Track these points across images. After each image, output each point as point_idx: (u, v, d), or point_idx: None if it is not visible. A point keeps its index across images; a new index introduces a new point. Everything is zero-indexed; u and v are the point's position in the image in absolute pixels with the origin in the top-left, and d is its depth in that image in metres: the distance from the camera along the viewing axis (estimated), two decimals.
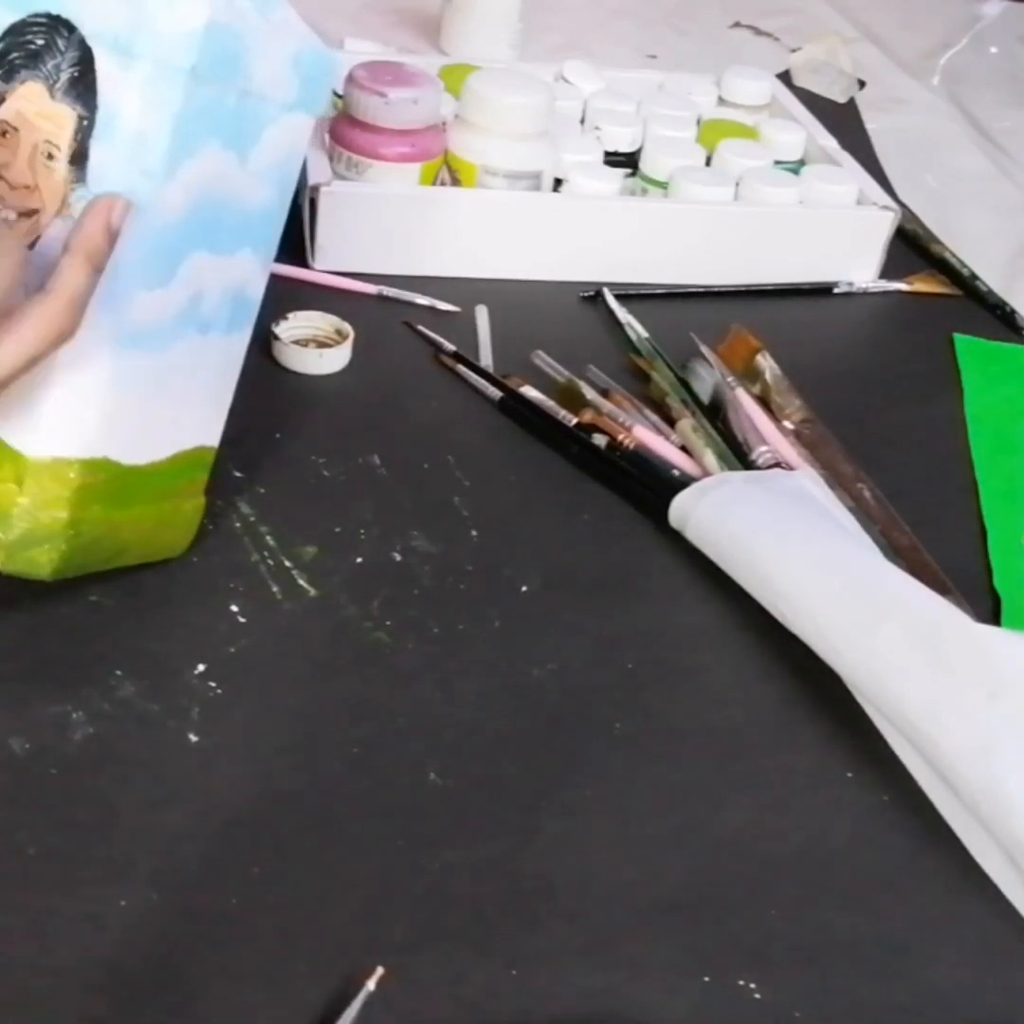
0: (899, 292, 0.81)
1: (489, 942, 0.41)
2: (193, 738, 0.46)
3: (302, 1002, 0.38)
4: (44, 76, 0.43)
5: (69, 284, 0.42)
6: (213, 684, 0.48)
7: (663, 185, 0.79)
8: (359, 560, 0.54)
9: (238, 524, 0.55)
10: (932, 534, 0.59)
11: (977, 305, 0.82)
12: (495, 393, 0.64)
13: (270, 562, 0.53)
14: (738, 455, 0.61)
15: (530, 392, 0.64)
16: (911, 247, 0.86)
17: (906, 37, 1.23)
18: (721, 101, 0.92)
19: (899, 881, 0.45)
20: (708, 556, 0.56)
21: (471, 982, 0.40)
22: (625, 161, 0.82)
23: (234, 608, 0.51)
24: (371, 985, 0.38)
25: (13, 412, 0.45)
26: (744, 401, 0.64)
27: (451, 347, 0.68)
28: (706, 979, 0.41)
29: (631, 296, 0.74)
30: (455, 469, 0.60)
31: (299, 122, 0.49)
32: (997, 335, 0.79)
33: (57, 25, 0.43)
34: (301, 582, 0.52)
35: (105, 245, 0.42)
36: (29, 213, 0.44)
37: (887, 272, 0.81)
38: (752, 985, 0.41)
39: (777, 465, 0.60)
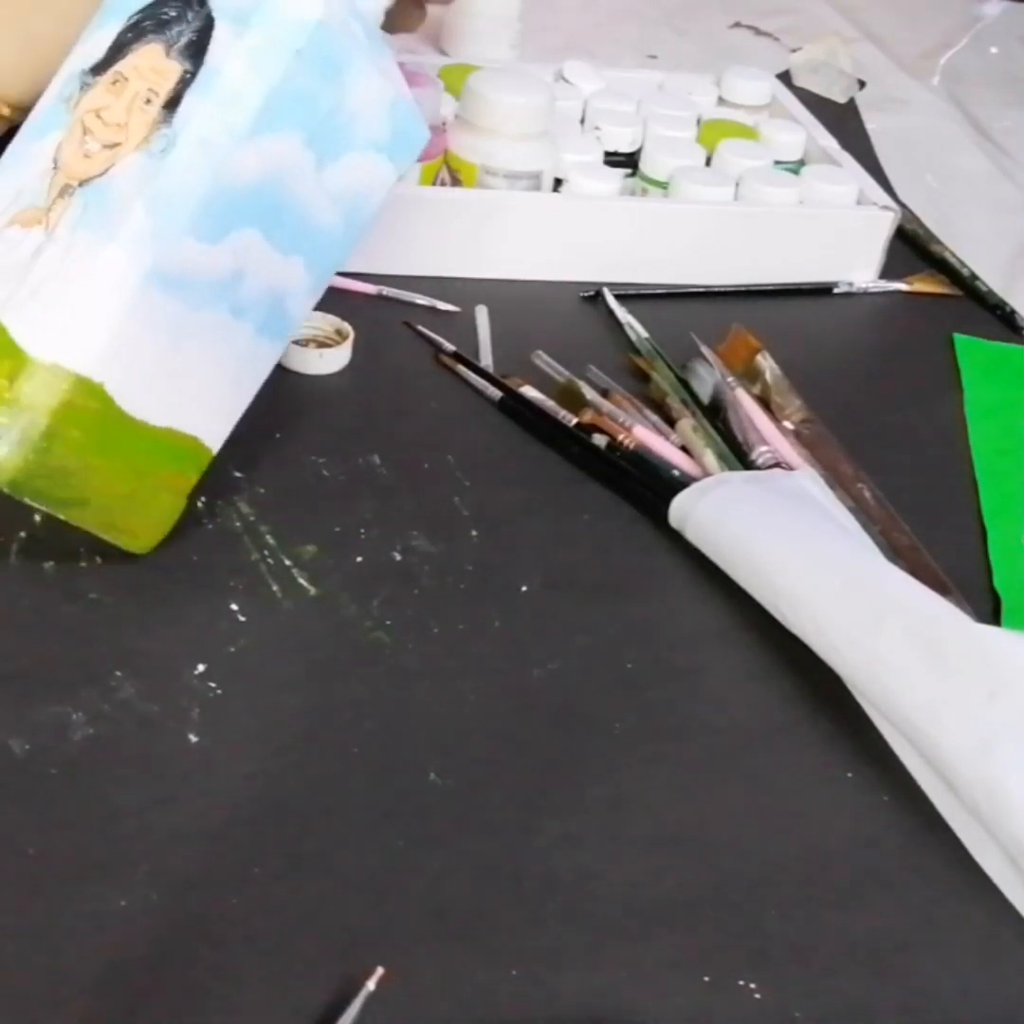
0: (899, 292, 0.81)
1: (489, 942, 0.41)
2: (193, 738, 0.46)
3: (302, 1002, 0.38)
4: (167, 39, 0.47)
5: None
6: (213, 684, 0.48)
7: (663, 185, 0.79)
8: (359, 559, 0.54)
9: (238, 523, 0.55)
10: (932, 534, 0.59)
11: (977, 305, 0.82)
12: (495, 393, 0.65)
13: (270, 561, 0.53)
14: (738, 455, 0.61)
15: (530, 392, 0.64)
16: (911, 247, 0.86)
17: (906, 37, 1.23)
18: (721, 101, 0.92)
19: (899, 881, 0.45)
20: (708, 556, 0.56)
21: (471, 982, 0.40)
22: (625, 161, 0.82)
23: (234, 607, 0.51)
24: (371, 985, 0.38)
25: (35, 311, 0.46)
26: (744, 401, 0.64)
27: (451, 347, 0.68)
28: (706, 979, 0.41)
29: (631, 296, 0.74)
30: (455, 469, 0.60)
31: (382, 168, 0.52)
32: (997, 335, 0.79)
33: (191, 0, 0.47)
34: (301, 581, 0.53)
35: None
36: (112, 145, 0.47)
37: (887, 272, 0.81)
38: (752, 985, 0.41)
39: (777, 465, 0.60)
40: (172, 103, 0.46)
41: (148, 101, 0.47)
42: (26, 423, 0.45)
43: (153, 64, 0.47)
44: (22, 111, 0.65)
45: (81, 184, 0.47)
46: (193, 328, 0.48)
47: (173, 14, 0.47)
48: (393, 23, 0.58)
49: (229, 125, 0.46)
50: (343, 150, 0.50)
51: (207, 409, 0.51)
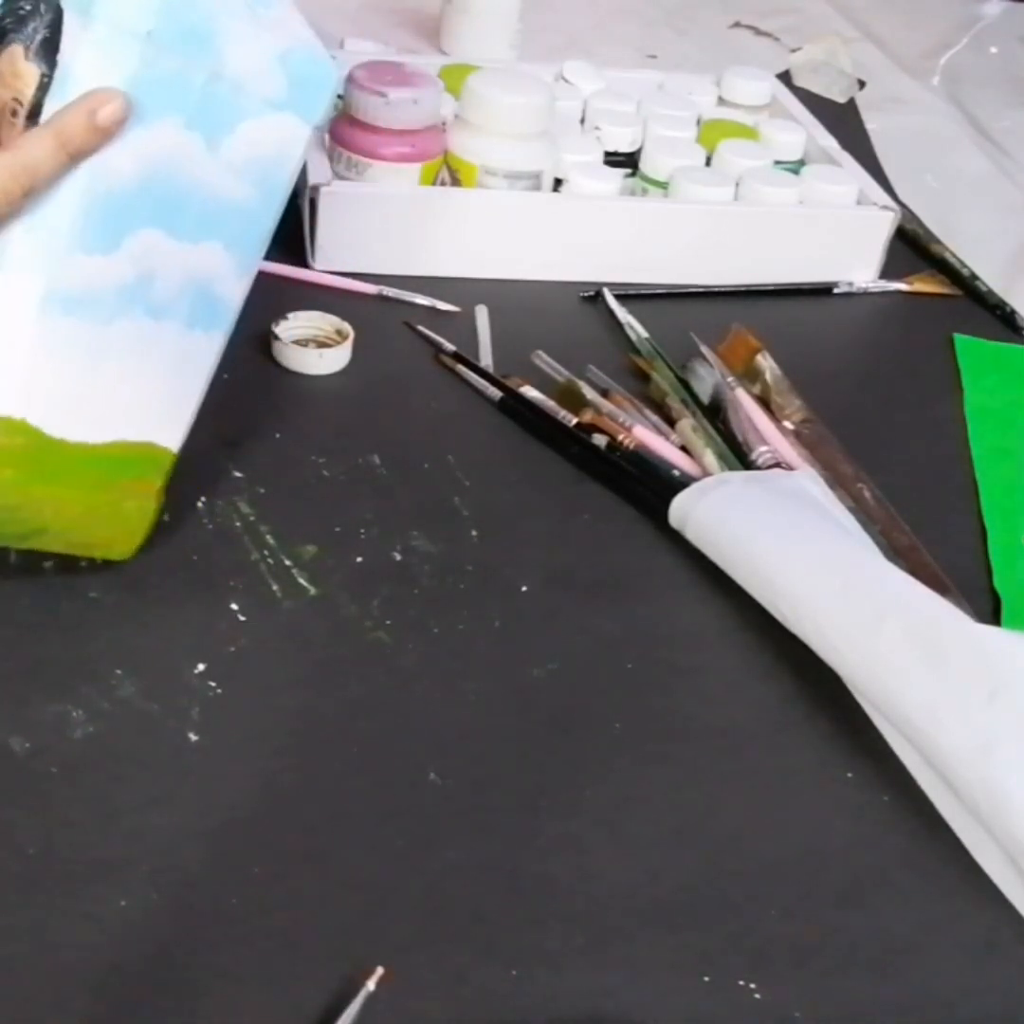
0: (899, 292, 0.81)
1: (489, 942, 0.41)
2: (193, 738, 0.46)
3: (302, 1002, 0.38)
4: (23, 38, 0.44)
5: (26, 149, 0.42)
6: (213, 684, 0.48)
7: (663, 185, 0.79)
8: (359, 559, 0.54)
9: (238, 523, 0.55)
10: (932, 534, 0.59)
11: (977, 305, 0.82)
12: (495, 393, 0.65)
13: (270, 561, 0.53)
14: (738, 455, 0.61)
15: (530, 392, 0.64)
16: (911, 247, 0.86)
17: (906, 37, 1.23)
18: (721, 101, 0.92)
19: (899, 881, 0.45)
20: (708, 556, 0.56)
21: (471, 982, 0.40)
22: (625, 161, 0.82)
23: (234, 607, 0.51)
24: (371, 985, 0.38)
25: None
26: (744, 401, 0.64)
27: (451, 347, 0.68)
28: (706, 979, 0.41)
29: (631, 296, 0.74)
30: (455, 469, 0.60)
31: (290, 125, 0.48)
32: (997, 335, 0.79)
33: None
34: (301, 581, 0.52)
35: (84, 132, 0.42)
36: None
37: (887, 272, 0.81)
38: (752, 985, 0.41)
39: (777, 465, 0.60)
40: (34, 112, 0.44)
41: (14, 113, 0.44)
42: None
43: (14, 68, 0.44)
44: None
45: None
46: (110, 342, 0.46)
47: (28, 8, 0.44)
48: None
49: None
50: (236, 120, 0.46)
51: (153, 413, 0.49)
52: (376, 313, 0.70)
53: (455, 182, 0.75)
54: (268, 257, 0.51)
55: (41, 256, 0.44)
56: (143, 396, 0.48)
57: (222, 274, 0.49)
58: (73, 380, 0.46)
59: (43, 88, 0.43)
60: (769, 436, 0.62)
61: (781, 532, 0.54)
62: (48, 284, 0.44)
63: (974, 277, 0.83)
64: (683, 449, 0.62)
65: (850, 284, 0.80)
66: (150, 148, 0.44)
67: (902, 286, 0.81)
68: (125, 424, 0.48)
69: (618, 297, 0.74)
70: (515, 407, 0.64)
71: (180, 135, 0.45)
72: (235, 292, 0.50)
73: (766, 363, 0.67)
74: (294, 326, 0.66)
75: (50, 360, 0.45)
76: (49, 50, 0.43)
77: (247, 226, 0.49)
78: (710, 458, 0.60)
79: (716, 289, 0.77)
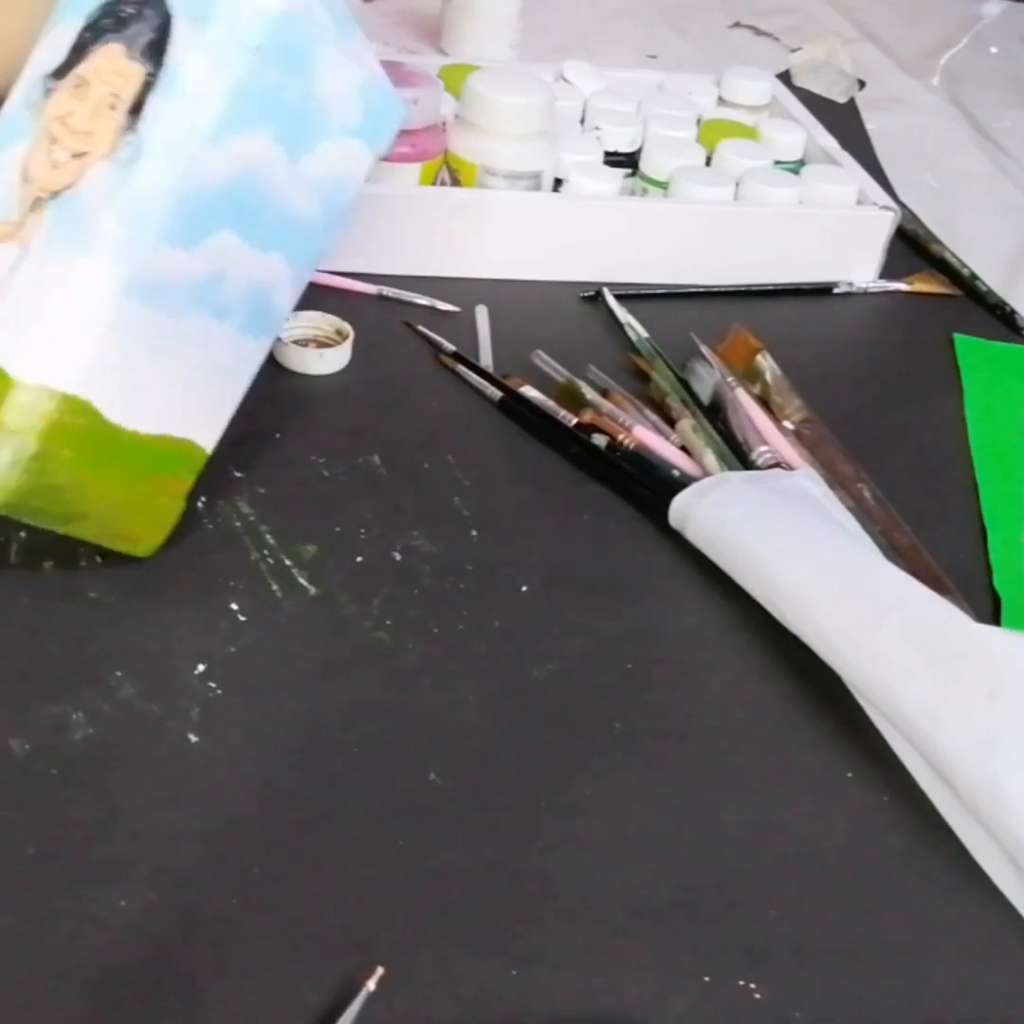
0: (899, 292, 0.81)
1: (489, 942, 0.41)
2: (193, 738, 0.46)
3: (302, 1002, 0.38)
4: (126, 39, 0.46)
5: None
6: (213, 684, 0.48)
7: (663, 185, 0.79)
8: (359, 559, 0.54)
9: (238, 523, 0.55)
10: (932, 534, 0.59)
11: (977, 305, 0.82)
12: (495, 393, 0.65)
13: (270, 561, 0.53)
14: (738, 455, 0.61)
15: (530, 392, 0.64)
16: (911, 247, 0.86)
17: (906, 37, 1.23)
18: (721, 101, 0.92)
19: (899, 881, 0.45)
20: (708, 556, 0.56)
21: (471, 982, 0.40)
22: (625, 161, 0.82)
23: (234, 607, 0.51)
24: (371, 985, 0.38)
25: (15, 330, 0.45)
26: (744, 401, 0.64)
27: (451, 347, 0.68)
28: (706, 979, 0.41)
29: (631, 296, 0.74)
30: (455, 469, 0.60)
31: (359, 152, 0.51)
32: (997, 335, 0.79)
33: None
34: (301, 581, 0.53)
35: None
36: (80, 155, 0.46)
37: (887, 272, 0.81)
38: (752, 985, 0.41)
39: (777, 465, 0.60)
40: (136, 108, 0.45)
41: (112, 106, 0.46)
42: (16, 446, 0.45)
43: (114, 66, 0.46)
44: None
45: (52, 196, 0.46)
46: (176, 335, 0.48)
47: (131, 12, 0.46)
48: None
49: (194, 128, 0.45)
50: (316, 140, 0.49)
51: (198, 411, 0.51)
52: (376, 313, 0.70)
53: (455, 182, 0.75)
54: None
55: (129, 245, 0.45)
56: (193, 392, 0.50)
57: (279, 284, 0.51)
58: (137, 369, 0.47)
59: (146, 86, 0.45)
60: (769, 436, 0.62)
61: (781, 532, 0.54)
62: (132, 271, 0.45)
63: (974, 277, 0.83)
64: (683, 449, 0.62)
65: (850, 284, 0.80)
66: (242, 154, 0.47)
67: (902, 286, 0.81)
68: (172, 419, 0.50)
69: (618, 297, 0.74)
70: (515, 407, 0.64)
71: (269, 146, 0.48)
72: (288, 303, 0.52)
73: (766, 363, 0.67)
74: (294, 326, 0.66)
75: (121, 346, 0.46)
76: (155, 51, 0.46)
77: (308, 241, 0.51)
78: (710, 458, 0.60)
79: (716, 289, 0.77)
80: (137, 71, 0.46)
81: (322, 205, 0.51)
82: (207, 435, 0.52)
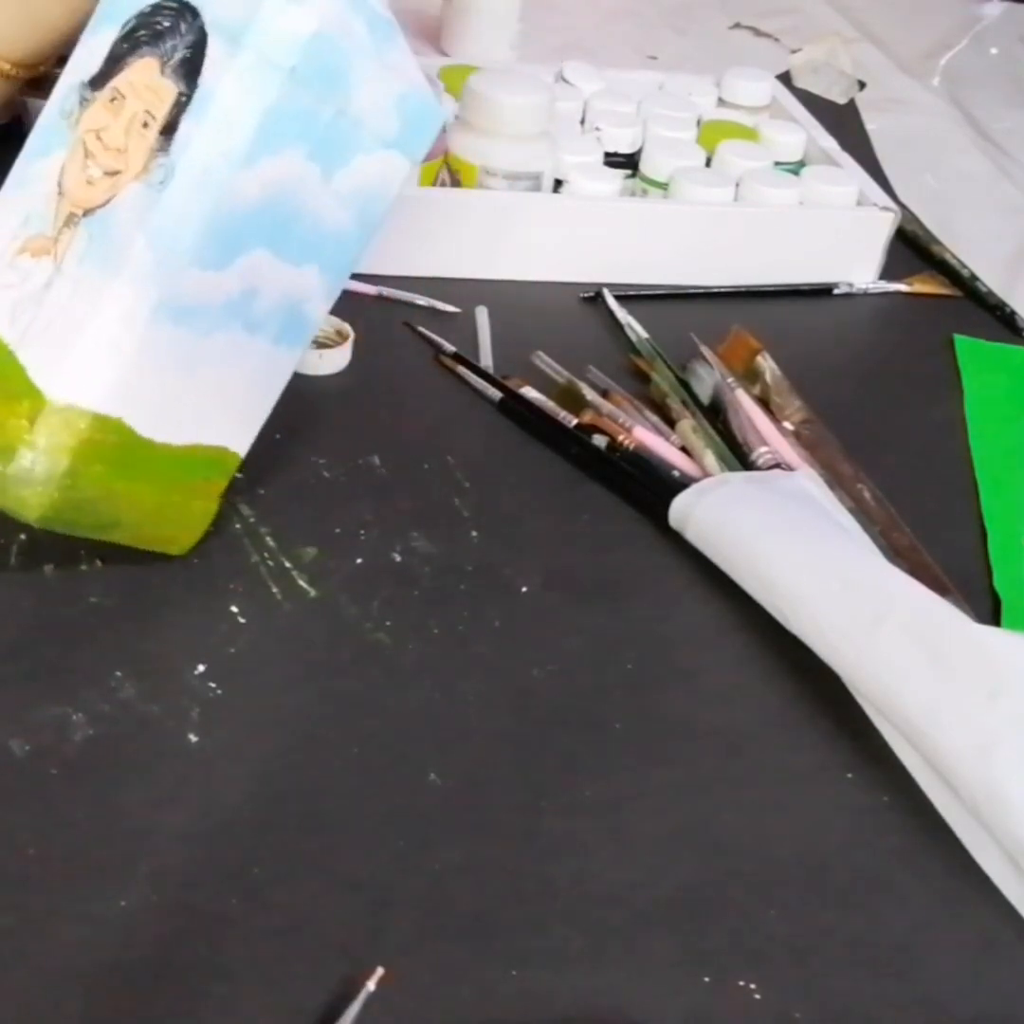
0: (899, 293, 0.81)
1: (489, 942, 0.41)
2: (193, 738, 0.46)
3: (302, 1002, 0.38)
4: (160, 54, 0.46)
5: None
6: (213, 684, 0.48)
7: (663, 186, 0.79)
8: (359, 561, 0.54)
9: (238, 525, 0.55)
10: (932, 534, 0.59)
11: (977, 306, 0.82)
12: (495, 394, 0.65)
13: (270, 563, 0.53)
14: (738, 456, 0.61)
15: (530, 393, 0.64)
16: (911, 248, 0.86)
17: (906, 37, 1.23)
18: (721, 102, 0.92)
19: (899, 881, 0.45)
20: (708, 557, 0.56)
21: (471, 982, 0.40)
22: (625, 162, 0.82)
23: (234, 609, 0.51)
24: (371, 985, 0.38)
25: (48, 349, 0.46)
26: (744, 402, 0.64)
27: (451, 348, 0.68)
28: (706, 979, 0.41)
29: (631, 297, 0.74)
30: (455, 469, 0.60)
31: (395, 162, 0.51)
32: (997, 336, 0.79)
33: (184, 11, 0.46)
34: (301, 583, 0.53)
35: None
36: (113, 173, 0.46)
37: (887, 273, 0.81)
38: (752, 985, 0.41)
39: (777, 466, 0.60)
40: (169, 128, 0.45)
41: (145, 125, 0.46)
42: (49, 463, 0.45)
43: (148, 82, 0.46)
44: (25, 68, 0.65)
45: (85, 214, 0.46)
46: (207, 352, 0.48)
47: (167, 25, 0.46)
48: None
49: (227, 151, 0.45)
50: (351, 155, 0.49)
51: (230, 419, 0.51)
52: (376, 313, 0.70)
53: (455, 182, 0.75)
54: None
55: (160, 268, 0.45)
56: (226, 402, 0.50)
57: (313, 296, 0.51)
58: (168, 386, 0.48)
59: (179, 106, 0.45)
60: (769, 437, 0.62)
61: (781, 532, 0.54)
62: (161, 295, 0.45)
63: (974, 278, 0.83)
64: (683, 450, 0.62)
65: (850, 285, 0.80)
66: (275, 175, 0.46)
67: (902, 287, 0.81)
68: (205, 428, 0.50)
69: (618, 297, 0.74)
70: (515, 408, 0.64)
71: (302, 165, 0.47)
72: (320, 312, 0.52)
73: (766, 364, 0.67)
74: None
75: (152, 365, 0.47)
76: (189, 70, 0.45)
77: (342, 253, 0.51)
78: (710, 459, 0.60)
79: (716, 289, 0.77)
80: (170, 89, 0.45)
81: (356, 216, 0.51)
82: (240, 440, 0.52)
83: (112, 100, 0.47)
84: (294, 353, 0.52)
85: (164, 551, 0.52)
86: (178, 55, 0.46)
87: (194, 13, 0.46)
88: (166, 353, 0.47)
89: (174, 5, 0.46)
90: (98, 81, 0.48)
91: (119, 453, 0.47)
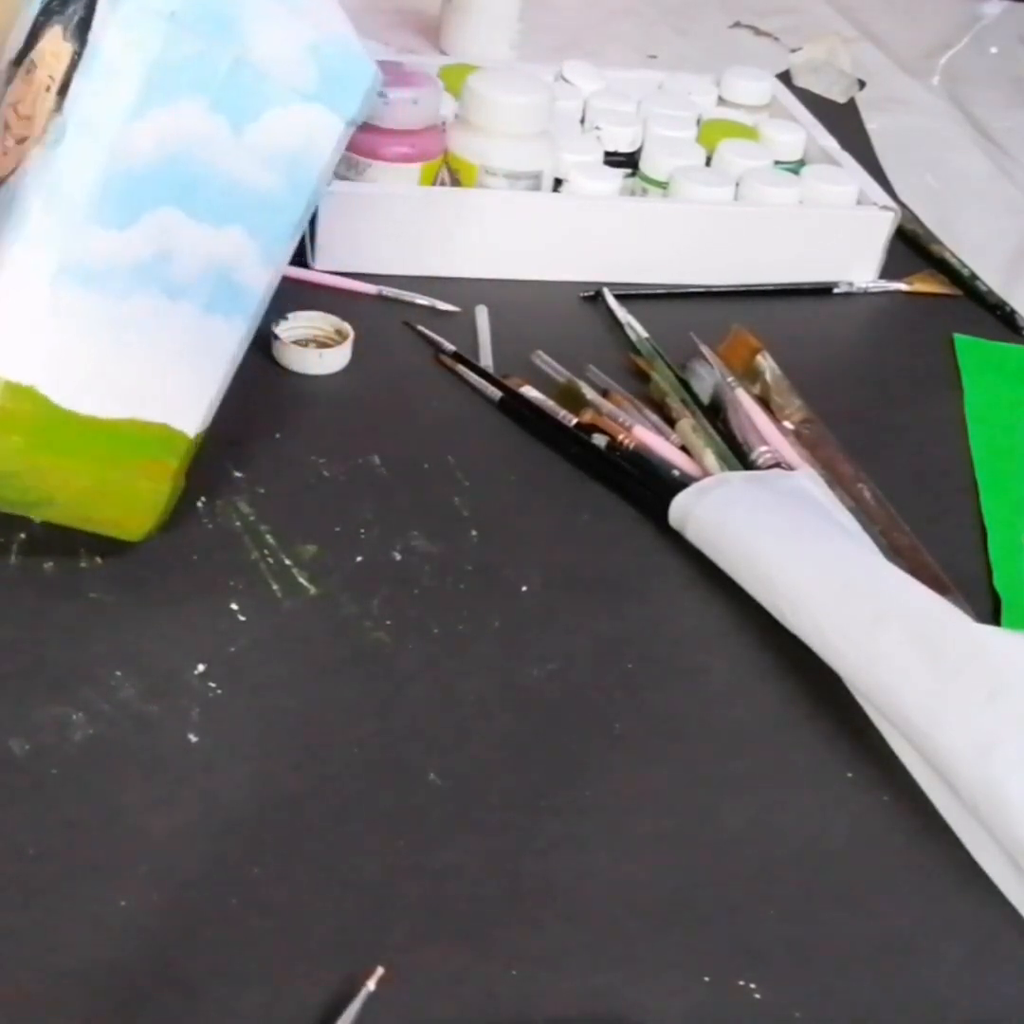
0: (899, 292, 0.81)
1: (489, 942, 0.41)
2: (193, 738, 0.46)
3: (302, 1002, 0.38)
4: (64, 19, 0.45)
5: None
6: (213, 684, 0.48)
7: (663, 185, 0.79)
8: (359, 559, 0.54)
9: (238, 523, 0.55)
10: (932, 534, 0.59)
11: (977, 305, 0.82)
12: (495, 393, 0.65)
13: (270, 561, 0.53)
14: (738, 455, 0.61)
15: (530, 392, 0.64)
16: (911, 247, 0.86)
17: (906, 37, 1.23)
18: (721, 101, 0.92)
19: (899, 881, 0.45)
20: (708, 556, 0.56)
21: (471, 982, 0.40)
22: (625, 161, 0.82)
23: (234, 607, 0.51)
24: (371, 985, 0.38)
25: None
26: (744, 401, 0.64)
27: (451, 347, 0.68)
28: (706, 979, 0.41)
29: (631, 296, 0.74)
30: (455, 469, 0.60)
31: (320, 117, 0.48)
32: (997, 335, 0.79)
33: None
34: (301, 581, 0.53)
35: None
36: (22, 140, 0.46)
37: (887, 272, 0.81)
38: (752, 985, 0.41)
39: (777, 465, 0.60)
40: (64, 88, 0.44)
41: (47, 89, 0.45)
42: None
43: (54, 48, 0.45)
44: None
45: (1, 183, 0.45)
46: (124, 317, 0.47)
47: None
48: None
49: (114, 105, 0.44)
50: (261, 107, 0.47)
51: (169, 395, 0.49)
52: (376, 313, 0.70)
53: (455, 182, 0.75)
54: None
55: (58, 229, 0.44)
56: (158, 376, 0.49)
57: (245, 261, 0.49)
58: (86, 353, 0.46)
59: (73, 65, 0.44)
60: (769, 436, 0.62)
61: (781, 532, 0.54)
62: (63, 256, 0.45)
63: (974, 277, 0.83)
64: (683, 449, 0.62)
65: (850, 284, 0.80)
66: (172, 128, 0.45)
67: (902, 286, 0.81)
68: (139, 403, 0.49)
69: (618, 297, 0.74)
70: (515, 407, 0.64)
71: (204, 118, 0.46)
72: (260, 281, 0.50)
73: (766, 363, 0.67)
74: (294, 326, 0.66)
75: (63, 331, 0.46)
76: (82, 29, 0.44)
77: (273, 215, 0.49)
78: (710, 458, 0.60)
79: (716, 289, 0.77)
80: (68, 50, 0.44)
81: (283, 176, 0.48)
82: (185, 418, 0.50)
83: (28, 72, 0.46)
84: (235, 324, 0.50)
85: (117, 535, 0.50)
86: (77, 17, 0.45)
87: None
88: (77, 317, 0.45)
89: None
90: (19, 57, 0.47)
91: (38, 424, 0.46)
